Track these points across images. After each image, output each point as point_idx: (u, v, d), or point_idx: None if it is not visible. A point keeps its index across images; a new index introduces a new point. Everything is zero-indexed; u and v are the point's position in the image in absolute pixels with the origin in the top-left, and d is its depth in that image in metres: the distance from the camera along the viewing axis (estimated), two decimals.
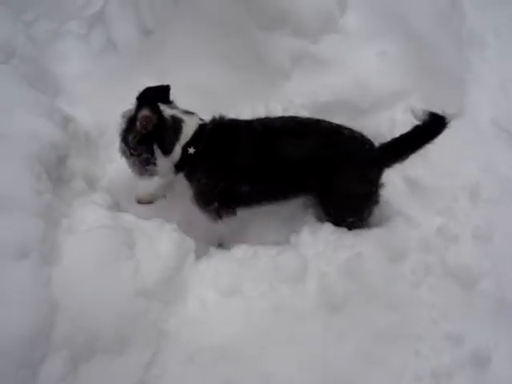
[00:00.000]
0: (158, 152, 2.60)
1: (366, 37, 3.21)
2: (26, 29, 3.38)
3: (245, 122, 2.73)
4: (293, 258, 2.49)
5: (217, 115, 2.69)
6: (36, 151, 2.27)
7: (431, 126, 2.65)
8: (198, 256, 2.58)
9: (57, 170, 2.45)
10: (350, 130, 2.69)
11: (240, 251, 2.59)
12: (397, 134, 2.84)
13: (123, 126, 2.62)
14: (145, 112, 2.50)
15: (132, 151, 2.61)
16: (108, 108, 3.15)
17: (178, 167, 2.65)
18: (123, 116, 2.64)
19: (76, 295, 2.04)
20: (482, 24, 3.98)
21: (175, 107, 2.68)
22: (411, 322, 2.46)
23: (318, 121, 2.69)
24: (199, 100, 2.89)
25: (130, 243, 2.29)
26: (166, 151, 2.60)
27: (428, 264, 2.63)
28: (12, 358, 1.82)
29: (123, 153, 2.66)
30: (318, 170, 2.62)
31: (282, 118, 2.75)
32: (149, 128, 2.52)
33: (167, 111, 2.59)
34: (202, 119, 2.69)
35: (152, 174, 2.71)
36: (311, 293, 2.42)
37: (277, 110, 3.10)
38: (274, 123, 2.69)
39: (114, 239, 2.25)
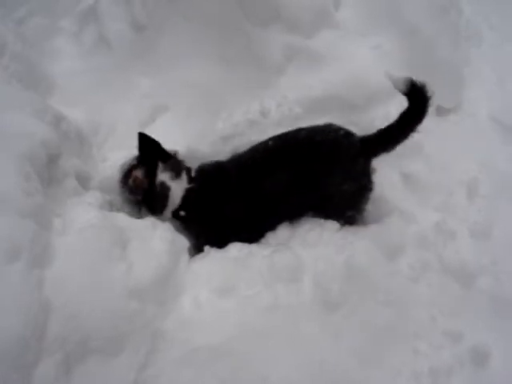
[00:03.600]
0: (144, 211, 2.71)
1: (361, 31, 3.20)
2: (17, 27, 3.35)
3: (225, 167, 2.76)
4: (288, 258, 2.47)
5: (202, 165, 2.77)
6: (26, 151, 2.22)
7: (414, 108, 2.64)
8: (192, 255, 2.56)
9: (48, 170, 2.41)
10: (323, 131, 2.68)
11: (235, 250, 2.56)
12: None
13: (120, 175, 2.74)
14: (137, 174, 2.62)
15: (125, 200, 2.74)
16: (101, 106, 3.15)
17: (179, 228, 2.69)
18: (122, 165, 2.75)
19: (69, 296, 2.01)
20: (479, 18, 3.98)
21: (168, 167, 2.70)
22: (409, 320, 2.44)
23: (285, 136, 2.70)
24: (193, 97, 2.87)
25: (122, 243, 2.26)
26: (155, 213, 2.69)
27: (425, 260, 2.61)
28: (4, 361, 1.78)
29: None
30: (306, 187, 2.64)
31: (252, 151, 2.76)
32: (138, 190, 2.64)
33: (159, 176, 2.65)
34: (190, 177, 2.72)
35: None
36: (307, 292, 2.39)
37: (271, 106, 3.08)
38: (248, 160, 2.72)
39: (106, 239, 2.21)
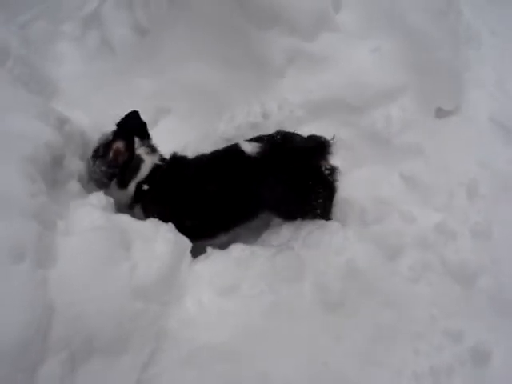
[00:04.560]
0: (113, 184, 2.80)
1: (361, 34, 3.21)
2: (21, 31, 3.38)
3: (193, 158, 2.88)
4: (289, 258, 2.48)
5: (175, 153, 2.88)
6: (31, 153, 2.25)
7: None
8: (195, 256, 2.57)
9: (52, 172, 2.44)
10: (270, 136, 2.75)
11: (237, 251, 2.58)
12: (393, 131, 2.84)
13: (96, 146, 2.84)
14: (119, 145, 2.73)
15: (95, 172, 2.81)
16: (104, 109, 3.17)
17: (134, 199, 2.81)
18: (101, 138, 2.86)
19: (73, 297, 2.03)
20: (478, 21, 3.99)
21: (145, 144, 2.87)
22: (410, 320, 2.45)
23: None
24: (195, 99, 2.89)
25: (126, 244, 2.28)
26: (122, 185, 2.80)
27: (426, 261, 2.62)
28: (9, 361, 1.80)
29: (88, 166, 2.83)
30: (260, 186, 2.70)
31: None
32: (119, 162, 2.74)
33: (137, 150, 2.80)
34: (163, 159, 2.86)
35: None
36: (309, 292, 2.41)
37: (272, 108, 3.10)
38: (208, 157, 2.84)
39: (110, 240, 2.24)
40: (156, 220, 2.59)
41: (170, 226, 2.57)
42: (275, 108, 3.11)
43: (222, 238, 2.85)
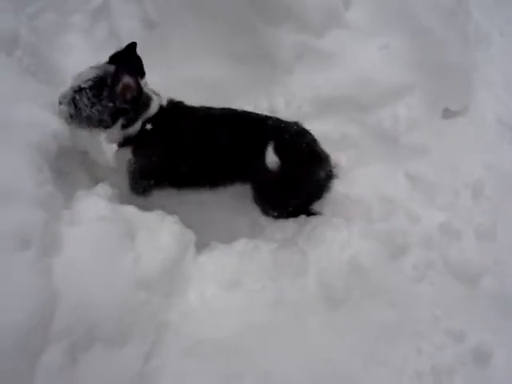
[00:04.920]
0: (118, 123, 2.65)
1: (370, 32, 3.21)
2: (30, 21, 3.38)
3: (194, 108, 2.84)
4: (293, 253, 2.48)
5: (174, 99, 2.83)
6: (38, 142, 2.26)
7: None
8: (199, 248, 2.57)
9: (58, 161, 2.45)
10: (278, 119, 2.79)
11: (240, 244, 2.59)
12: (400, 130, 2.84)
13: (97, 78, 2.59)
14: (129, 80, 2.53)
15: (93, 105, 2.57)
16: None
17: (130, 140, 2.72)
18: (99, 68, 2.64)
19: (77, 286, 2.03)
20: (487, 22, 3.98)
21: (145, 83, 2.76)
22: (412, 319, 2.44)
23: (250, 113, 2.81)
24: (202, 94, 2.89)
25: (130, 235, 2.28)
26: (127, 124, 2.67)
27: (429, 260, 2.62)
28: (12, 348, 1.80)
29: (80, 102, 2.58)
30: (249, 156, 2.72)
31: (223, 109, 2.84)
32: (127, 97, 2.56)
33: (144, 88, 2.68)
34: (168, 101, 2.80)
35: (91, 131, 2.70)
36: (312, 288, 2.41)
37: (279, 103, 3.10)
38: (215, 112, 2.81)
39: (115, 230, 2.24)
40: (161, 212, 2.58)
41: (175, 217, 2.58)
42: (283, 104, 3.11)
43: (207, 191, 2.87)
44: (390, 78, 3.11)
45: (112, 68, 2.58)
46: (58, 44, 3.50)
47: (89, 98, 2.56)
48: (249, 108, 2.92)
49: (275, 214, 2.85)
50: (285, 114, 3.01)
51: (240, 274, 2.41)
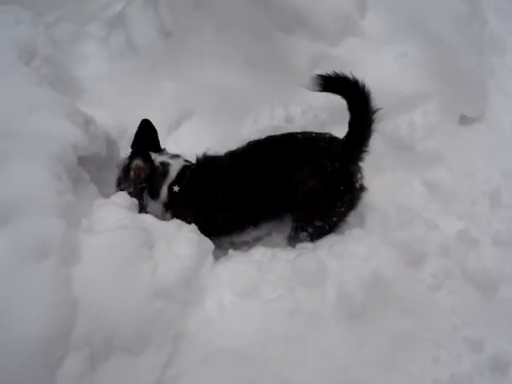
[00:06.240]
0: (147, 198, 2.84)
1: (386, 40, 3.20)
2: (47, 31, 3.40)
3: (219, 156, 2.90)
4: (311, 262, 2.47)
5: (200, 155, 2.89)
6: (57, 152, 2.28)
7: (354, 100, 2.68)
8: (217, 257, 2.58)
9: (77, 171, 2.47)
10: (304, 133, 2.78)
11: (258, 253, 2.59)
12: (416, 138, 2.83)
13: (118, 175, 2.91)
14: (138, 162, 2.78)
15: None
16: (128, 109, 3.20)
17: (166, 206, 2.83)
18: (118, 166, 2.93)
19: (96, 295, 2.05)
20: (503, 29, 3.96)
21: (165, 153, 2.95)
22: (430, 328, 2.43)
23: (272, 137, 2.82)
24: (219, 102, 2.91)
25: (149, 244, 2.29)
26: (154, 195, 2.83)
27: (447, 268, 2.60)
28: (33, 356, 1.83)
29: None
30: (284, 183, 2.70)
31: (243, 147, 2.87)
32: (142, 177, 2.80)
33: (158, 159, 2.86)
34: (187, 161, 2.91)
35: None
36: (329, 297, 2.39)
37: (296, 112, 3.10)
38: (238, 152, 2.85)
39: (133, 240, 2.25)
40: (179, 221, 2.60)
41: (193, 226, 2.58)
42: (299, 112, 3.12)
43: (251, 232, 2.87)
44: (406, 85, 3.10)
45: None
46: (74, 53, 3.54)
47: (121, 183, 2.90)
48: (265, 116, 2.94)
49: (318, 225, 2.77)
50: (301, 122, 3.02)
51: (257, 282, 2.40)
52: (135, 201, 2.66)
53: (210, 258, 2.50)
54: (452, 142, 3.08)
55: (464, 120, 3.29)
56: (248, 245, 2.83)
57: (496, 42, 3.84)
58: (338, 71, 2.64)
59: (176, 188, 2.81)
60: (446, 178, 2.97)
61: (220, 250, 2.67)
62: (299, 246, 2.69)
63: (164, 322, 2.20)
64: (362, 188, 2.75)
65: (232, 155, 2.85)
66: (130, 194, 2.74)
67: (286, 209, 2.78)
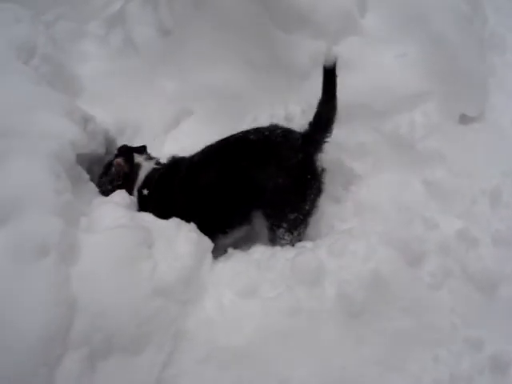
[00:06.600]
0: None
1: (386, 39, 3.19)
2: (46, 29, 3.39)
3: (184, 158, 2.92)
4: (310, 261, 2.46)
5: (173, 156, 2.95)
6: (56, 150, 2.28)
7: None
8: (216, 256, 2.58)
9: (76, 169, 2.47)
10: (257, 130, 2.78)
11: (257, 252, 2.58)
12: (416, 137, 2.83)
13: (102, 169, 3.00)
14: (119, 160, 2.88)
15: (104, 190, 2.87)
16: (127, 108, 3.20)
17: (140, 208, 2.83)
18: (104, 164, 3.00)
19: (95, 294, 2.05)
20: (503, 28, 3.95)
21: (144, 155, 3.03)
22: (430, 327, 2.43)
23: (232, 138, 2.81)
24: (218, 101, 2.90)
25: (148, 243, 2.29)
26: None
27: (447, 268, 2.60)
28: (31, 355, 1.84)
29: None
30: (250, 185, 2.68)
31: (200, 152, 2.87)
32: (120, 175, 2.89)
33: (136, 159, 2.95)
34: (159, 164, 2.97)
35: None
36: (328, 296, 2.38)
37: (296, 112, 3.10)
38: (201, 154, 2.84)
39: (132, 238, 2.25)
40: (178, 219, 2.58)
41: (192, 225, 2.58)
42: (298, 111, 3.11)
43: (221, 240, 2.81)
44: (406, 84, 3.09)
45: None
46: (74, 52, 3.54)
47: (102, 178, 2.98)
48: (265, 115, 2.93)
49: (292, 218, 2.77)
50: (301, 121, 3.00)
51: (257, 281, 2.40)
52: (133, 199, 2.66)
53: (210, 256, 2.50)
54: (452, 141, 3.07)
55: (464, 119, 3.28)
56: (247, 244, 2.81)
57: (496, 40, 3.82)
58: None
59: (145, 191, 2.85)
60: (445, 176, 2.96)
61: (219, 250, 2.65)
62: (299, 244, 2.69)
63: (163, 321, 2.20)
64: (323, 170, 2.76)
65: (190, 161, 2.84)
66: (107, 191, 2.81)
67: (254, 210, 2.77)
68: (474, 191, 2.93)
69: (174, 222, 2.55)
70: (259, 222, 2.78)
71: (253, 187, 2.67)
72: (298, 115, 3.07)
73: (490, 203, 2.90)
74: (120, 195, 2.57)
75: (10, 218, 1.97)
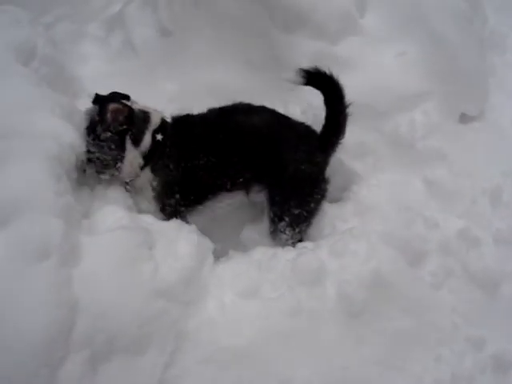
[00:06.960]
0: (129, 144, 2.67)
1: (386, 38, 3.20)
2: (46, 31, 3.39)
3: (198, 115, 2.87)
4: (311, 261, 2.46)
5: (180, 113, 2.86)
6: (56, 152, 2.28)
7: (330, 94, 2.75)
8: (217, 257, 2.58)
9: (76, 171, 2.47)
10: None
11: (258, 253, 2.58)
12: (417, 136, 2.83)
13: (89, 121, 2.65)
14: (115, 105, 2.59)
15: (98, 146, 2.63)
16: None
17: (147, 158, 2.70)
18: (87, 113, 2.68)
19: (96, 295, 2.05)
20: (503, 27, 3.95)
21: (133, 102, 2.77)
22: (431, 326, 2.43)
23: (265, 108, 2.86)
24: (218, 101, 2.89)
25: (149, 244, 2.29)
26: (137, 141, 2.67)
27: (448, 267, 2.61)
28: (33, 357, 1.83)
29: (87, 149, 2.64)
30: (269, 149, 2.73)
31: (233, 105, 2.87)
32: (120, 120, 2.59)
33: (134, 106, 2.69)
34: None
35: (113, 174, 2.72)
36: (329, 296, 2.38)
37: (296, 111, 3.09)
38: (226, 108, 2.85)
39: (133, 240, 2.25)
40: (179, 221, 2.60)
41: (193, 227, 2.58)
42: (298, 111, 3.11)
43: (224, 199, 2.86)
44: (406, 84, 3.09)
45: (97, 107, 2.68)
46: (73, 53, 3.52)
47: (92, 143, 2.63)
48: None
49: (295, 213, 2.79)
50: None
51: (258, 282, 2.40)
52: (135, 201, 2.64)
53: (211, 257, 2.50)
54: (452, 141, 3.08)
55: (464, 118, 3.29)
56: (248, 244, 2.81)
57: (496, 40, 3.83)
58: (317, 66, 2.70)
59: (159, 136, 2.70)
60: (446, 176, 2.97)
61: (220, 250, 2.65)
62: (299, 245, 2.69)
63: (165, 321, 2.20)
64: (328, 180, 2.84)
65: (220, 110, 2.84)
66: (106, 141, 2.61)
67: (263, 179, 2.80)
68: (474, 190, 2.94)
69: (175, 223, 2.56)
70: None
71: (275, 159, 2.73)
72: (297, 115, 3.06)
73: (490, 202, 2.91)
74: (121, 197, 2.56)
75: (11, 220, 1.96)
